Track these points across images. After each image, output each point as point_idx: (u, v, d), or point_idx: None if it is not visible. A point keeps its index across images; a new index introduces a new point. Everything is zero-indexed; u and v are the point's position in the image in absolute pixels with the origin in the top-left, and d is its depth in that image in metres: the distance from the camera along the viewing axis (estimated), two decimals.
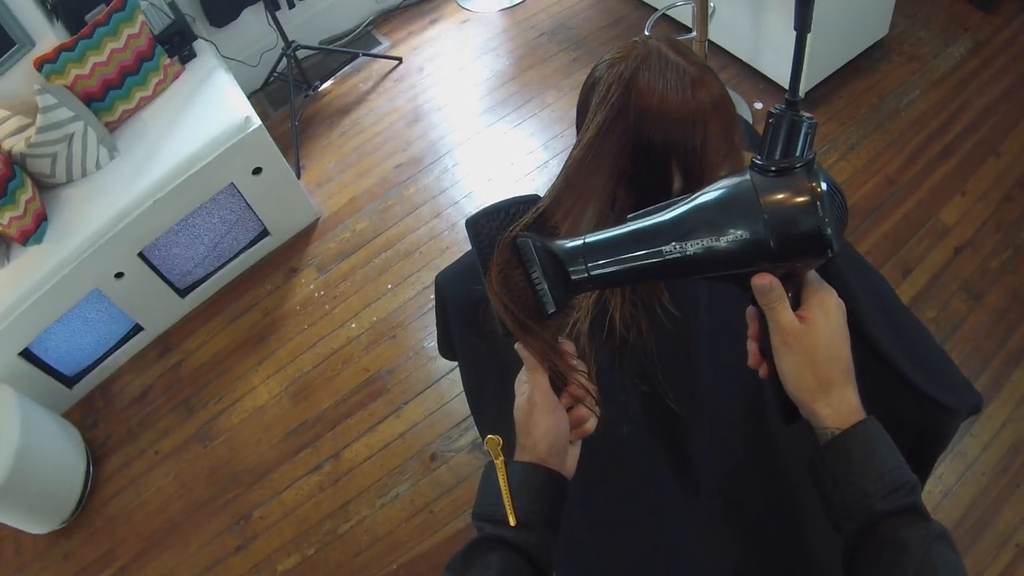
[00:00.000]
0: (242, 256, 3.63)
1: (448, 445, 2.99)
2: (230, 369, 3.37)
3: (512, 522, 0.96)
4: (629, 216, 0.98)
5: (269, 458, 3.10)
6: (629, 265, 0.95)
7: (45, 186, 3.34)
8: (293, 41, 4.08)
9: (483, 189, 3.74)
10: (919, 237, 3.13)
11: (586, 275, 0.96)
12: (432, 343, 3.24)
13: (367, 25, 4.70)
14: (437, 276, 1.60)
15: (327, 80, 4.34)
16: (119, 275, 3.28)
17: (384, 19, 4.79)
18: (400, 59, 4.39)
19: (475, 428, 2.95)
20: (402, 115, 4.11)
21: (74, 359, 3.40)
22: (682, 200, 0.94)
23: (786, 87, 3.48)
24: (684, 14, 3.65)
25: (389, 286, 3.44)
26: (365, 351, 3.28)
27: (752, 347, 0.99)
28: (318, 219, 3.76)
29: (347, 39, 4.67)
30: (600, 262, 0.95)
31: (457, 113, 4.08)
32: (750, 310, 0.98)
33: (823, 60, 3.51)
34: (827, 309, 0.92)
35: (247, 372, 3.34)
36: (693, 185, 1.18)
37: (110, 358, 3.48)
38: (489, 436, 1.04)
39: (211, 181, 3.33)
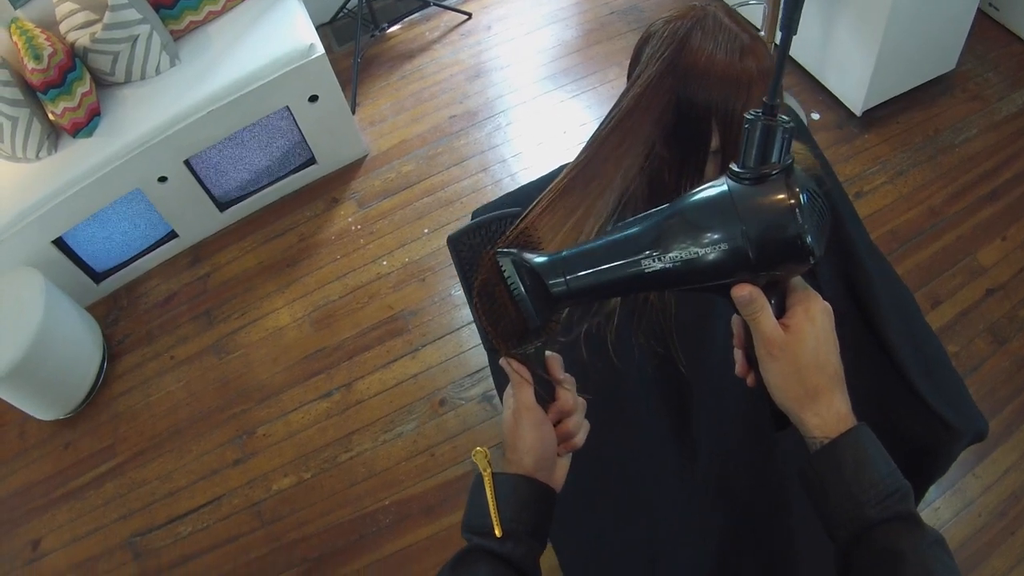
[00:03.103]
0: (286, 180, 3.51)
1: (459, 393, 2.86)
2: (257, 287, 3.25)
3: (498, 533, 0.93)
4: (608, 228, 0.95)
5: (281, 379, 2.98)
6: (609, 278, 0.87)
7: (103, 83, 3.24)
8: None
9: (533, 152, 3.59)
10: (953, 272, 3.01)
11: (565, 288, 0.88)
12: (460, 292, 3.12)
13: None
14: (448, 237, 1.53)
15: (395, 24, 4.19)
16: (163, 179, 3.17)
17: None
18: (470, 14, 4.24)
19: (488, 380, 2.85)
20: (463, 69, 3.97)
21: (105, 255, 3.31)
22: (660, 210, 0.87)
23: (848, 104, 3.40)
24: (755, 13, 3.48)
25: (425, 231, 3.31)
26: (392, 289, 3.15)
27: (739, 356, 0.95)
28: (366, 156, 3.63)
29: None
30: (579, 274, 0.88)
31: (518, 75, 3.93)
32: (735, 319, 0.92)
33: (887, 82, 3.35)
34: (812, 316, 0.86)
35: (273, 293, 3.22)
36: (730, 147, 1.18)
37: (141, 260, 3.37)
38: (477, 448, 0.99)
39: (267, 101, 3.21)
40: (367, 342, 3.03)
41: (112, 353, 3.17)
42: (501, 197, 1.71)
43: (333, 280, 3.22)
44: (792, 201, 0.79)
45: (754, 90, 1.17)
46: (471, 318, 2.97)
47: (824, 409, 0.85)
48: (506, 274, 0.92)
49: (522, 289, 0.91)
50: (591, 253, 0.88)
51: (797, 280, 0.89)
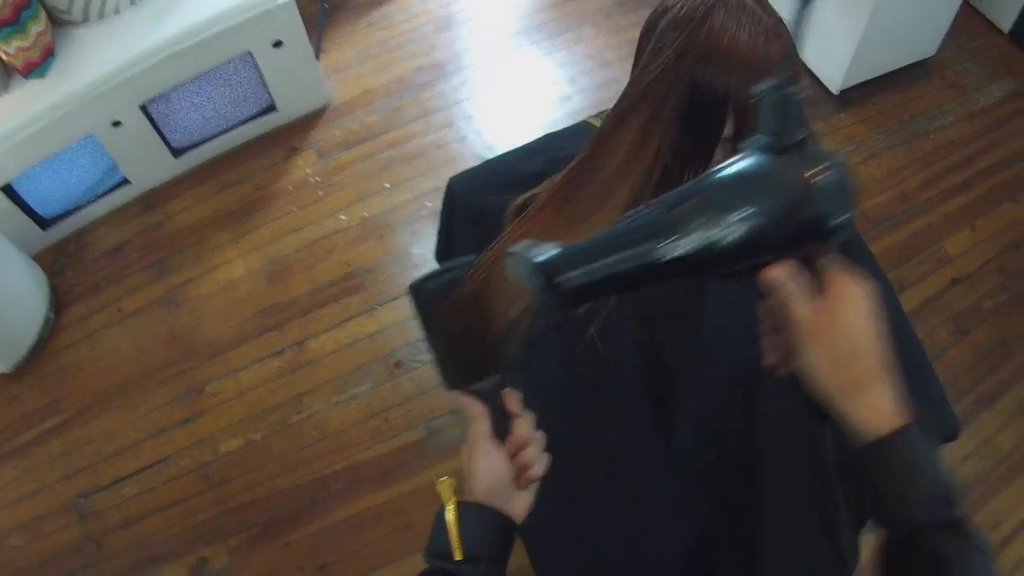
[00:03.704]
0: (245, 127, 3.36)
1: (416, 355, 2.78)
2: (210, 237, 3.13)
3: (458, 556, 0.94)
4: (617, 219, 0.86)
5: (232, 334, 2.88)
6: (620, 269, 0.79)
7: (59, 22, 3.06)
8: None
9: (500, 109, 3.49)
10: (921, 259, 2.99)
11: (574, 284, 0.79)
12: (419, 250, 3.03)
13: None
14: (451, 179, 1.53)
15: None
16: (117, 124, 3.02)
17: None
18: None
19: None
20: (433, 19, 3.82)
21: (53, 201, 3.16)
22: (674, 194, 0.80)
23: (826, 82, 3.32)
24: None
25: (387, 185, 3.19)
26: (351, 245, 3.04)
27: (767, 344, 0.90)
28: (328, 104, 3.47)
29: None
30: (588, 268, 0.79)
31: (489, 28, 3.80)
32: (765, 306, 0.86)
33: (867, 63, 3.29)
34: (851, 297, 0.80)
35: (227, 243, 3.10)
36: (744, 135, 1.05)
37: (91, 207, 3.22)
38: (442, 479, 1.00)
39: (230, 45, 3.06)
40: (322, 298, 2.93)
41: (59, 304, 3.03)
42: (480, 166, 1.59)
43: (289, 233, 3.10)
44: (818, 173, 0.75)
45: (774, 75, 1.05)
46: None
47: (868, 403, 0.80)
48: (512, 274, 0.86)
49: (533, 290, 0.83)
50: (599, 245, 0.81)
51: (834, 259, 0.82)
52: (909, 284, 2.95)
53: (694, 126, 1.12)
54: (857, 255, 1.45)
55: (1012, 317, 2.90)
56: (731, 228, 0.75)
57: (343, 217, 3.11)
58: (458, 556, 0.94)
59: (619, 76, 3.56)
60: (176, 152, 3.27)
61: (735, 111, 1.11)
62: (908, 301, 2.88)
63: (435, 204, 3.05)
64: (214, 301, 2.95)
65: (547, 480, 1.33)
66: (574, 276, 0.79)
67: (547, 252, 0.81)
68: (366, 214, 3.12)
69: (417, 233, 3.07)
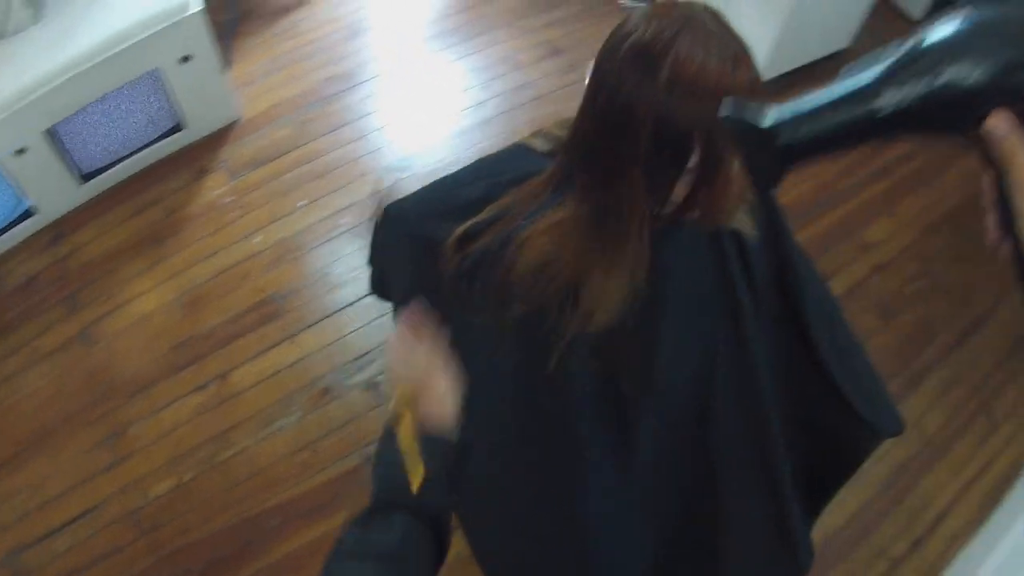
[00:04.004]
0: (153, 148, 3.27)
1: (342, 380, 2.77)
2: (122, 268, 3.05)
3: (421, 475, 0.93)
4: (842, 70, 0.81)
5: (151, 371, 2.83)
6: (842, 126, 0.77)
7: None
8: None
9: (412, 119, 3.46)
10: (842, 248, 3.07)
11: (796, 143, 0.79)
12: (338, 270, 3.00)
13: None
14: (387, 207, 1.49)
15: None
16: (20, 151, 2.91)
17: None
18: None
19: (370, 368, 2.74)
20: (342, 26, 3.75)
21: None
22: (892, 46, 0.75)
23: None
24: None
25: (300, 203, 3.15)
26: (266, 269, 3.00)
27: (989, 220, 0.78)
28: (237, 120, 3.40)
29: None
30: (808, 128, 0.79)
31: (400, 34, 3.76)
32: (985, 179, 0.78)
33: (784, 56, 3.35)
34: None
35: (139, 274, 3.03)
36: (709, 166, 1.10)
37: None
38: (398, 391, 1.02)
39: (137, 63, 2.96)
40: (241, 328, 2.89)
41: None
42: (417, 193, 1.53)
43: (203, 259, 3.04)
44: None
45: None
46: (350, 299, 2.87)
47: None
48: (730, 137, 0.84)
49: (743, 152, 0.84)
50: (820, 106, 0.79)
51: None
52: (833, 273, 3.01)
53: (655, 157, 1.09)
54: (805, 263, 1.50)
55: (932, 301, 2.99)
56: (963, 73, 0.71)
57: (257, 240, 3.06)
58: (421, 474, 0.94)
59: (534, 79, 3.54)
60: (84, 178, 3.17)
61: (701, 142, 1.08)
62: (833, 289, 2.91)
63: (351, 220, 3.04)
64: (130, 336, 2.89)
65: (501, 506, 1.38)
66: (799, 135, 0.79)
67: (770, 114, 0.81)
68: (281, 235, 3.08)
69: (334, 252, 3.04)
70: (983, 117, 0.71)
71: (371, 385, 2.75)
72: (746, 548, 1.48)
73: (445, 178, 1.50)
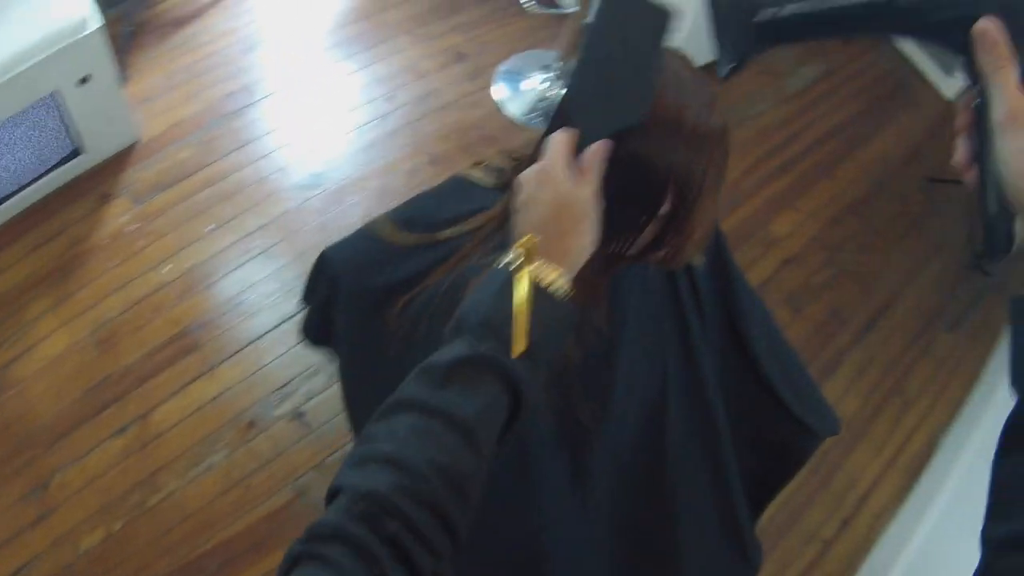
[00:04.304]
0: (50, 176, 3.11)
1: (267, 412, 2.75)
2: (28, 306, 2.93)
3: (523, 347, 0.81)
4: None
5: (70, 415, 2.75)
6: (826, 6, 0.77)
7: None
8: None
9: (319, 132, 3.40)
10: (751, 244, 3.14)
11: (772, 15, 0.79)
12: (252, 296, 2.95)
13: None
14: (326, 251, 1.45)
15: None
16: None
17: None
18: None
19: (293, 397, 2.73)
20: (240, 38, 3.63)
21: None
22: None
23: None
24: None
25: (208, 228, 3.08)
26: (178, 299, 2.94)
27: (961, 145, 0.80)
28: (137, 141, 3.27)
29: None
30: (791, 5, 0.79)
31: (300, 44, 3.66)
32: (963, 100, 0.78)
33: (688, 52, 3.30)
34: None
35: (46, 312, 2.92)
36: (677, 218, 1.09)
37: None
38: (527, 237, 0.87)
39: (33, 87, 2.78)
40: (157, 364, 2.83)
41: None
42: (358, 235, 1.48)
43: (112, 292, 2.96)
44: None
45: (716, 151, 1.07)
46: (267, 327, 2.84)
47: None
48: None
49: (715, 24, 0.84)
50: None
51: None
52: (743, 269, 3.03)
53: (626, 203, 1.07)
54: (739, 274, 1.61)
55: (840, 289, 3.12)
56: None
57: (167, 269, 2.99)
58: (523, 346, 0.81)
59: (438, 87, 3.51)
60: None
61: (676, 187, 1.07)
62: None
63: (262, 243, 3.00)
64: (42, 380, 2.80)
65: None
66: (783, 12, 0.79)
67: None
68: (191, 263, 3.01)
69: (247, 278, 2.99)
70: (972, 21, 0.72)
71: (296, 415, 2.75)
72: (701, 555, 1.52)
73: (382, 219, 1.46)
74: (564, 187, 0.91)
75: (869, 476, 2.93)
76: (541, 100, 3.55)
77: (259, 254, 3.03)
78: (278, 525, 2.58)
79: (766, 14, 0.78)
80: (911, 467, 2.99)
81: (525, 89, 3.60)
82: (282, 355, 2.84)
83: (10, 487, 2.64)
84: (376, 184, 3.26)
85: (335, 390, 2.80)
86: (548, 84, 3.55)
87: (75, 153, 3.13)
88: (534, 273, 0.84)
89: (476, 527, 1.44)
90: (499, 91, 3.61)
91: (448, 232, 1.33)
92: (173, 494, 2.62)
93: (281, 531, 2.57)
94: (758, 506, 1.72)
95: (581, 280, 0.97)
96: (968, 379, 3.27)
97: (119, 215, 3.11)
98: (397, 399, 0.82)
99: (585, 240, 0.92)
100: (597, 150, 0.96)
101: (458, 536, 0.80)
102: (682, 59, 1.11)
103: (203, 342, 2.86)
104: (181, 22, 3.64)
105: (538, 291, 0.83)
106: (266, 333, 2.88)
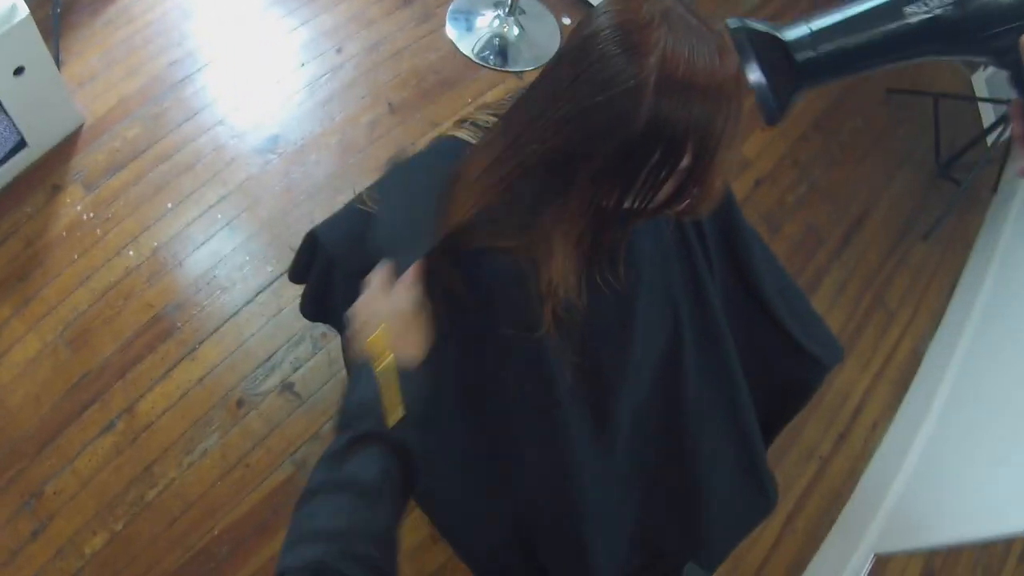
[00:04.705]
0: None
1: (254, 388, 2.66)
2: None
3: (399, 415, 0.97)
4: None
5: (52, 420, 2.64)
6: (864, 38, 0.74)
7: None
8: None
9: (271, 92, 3.24)
10: None
11: (813, 55, 0.75)
12: (224, 271, 2.83)
13: None
14: (318, 230, 1.46)
15: None
16: None
17: None
18: None
19: (280, 368, 2.63)
20: (176, 4, 3.42)
21: None
22: None
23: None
24: None
25: (169, 205, 2.93)
26: (148, 283, 2.81)
27: (1020, 149, 0.80)
28: (82, 125, 3.10)
29: None
30: (829, 40, 0.75)
31: (241, 5, 3.47)
32: (1015, 102, 0.77)
33: None
34: None
35: (11, 318, 2.78)
36: (698, 172, 1.05)
37: None
38: (379, 330, 1.06)
39: None
40: (136, 353, 2.71)
41: None
42: (346, 210, 1.48)
43: (77, 287, 2.82)
44: None
45: (734, 99, 1.01)
46: (242, 301, 2.73)
47: None
48: (742, 52, 0.82)
49: (760, 69, 0.81)
50: (840, 16, 0.75)
51: None
52: None
53: (643, 162, 1.03)
54: (741, 217, 1.59)
55: (815, 206, 3.05)
56: None
57: (131, 253, 2.85)
58: (399, 414, 0.97)
59: (387, 34, 3.37)
60: None
61: (695, 145, 1.01)
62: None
63: (227, 213, 2.87)
64: (19, 388, 2.68)
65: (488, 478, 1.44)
66: (821, 51, 0.74)
67: (786, 27, 0.76)
68: (155, 243, 2.87)
69: (216, 252, 2.86)
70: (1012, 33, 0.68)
71: (285, 387, 2.65)
72: (722, 492, 1.55)
73: (372, 191, 1.42)
74: (388, 303, 1.12)
75: (859, 390, 2.90)
76: (495, 37, 3.40)
77: (224, 226, 2.89)
78: (282, 501, 2.50)
79: (805, 54, 0.74)
80: (900, 378, 2.97)
81: (479, 27, 3.44)
82: (263, 327, 2.73)
83: (3, 502, 2.53)
84: (336, 140, 3.11)
85: (322, 357, 2.70)
86: (499, 21, 3.40)
87: (19, 147, 2.95)
88: (389, 361, 1.02)
89: (514, 487, 1.46)
90: (452, 31, 3.45)
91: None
92: (171, 485, 2.53)
93: (285, 507, 2.49)
94: (768, 441, 1.74)
95: (595, 244, 1.16)
96: (946, 287, 3.27)
97: (73, 204, 2.95)
98: (308, 488, 0.98)
99: (419, 335, 1.11)
100: (410, 272, 1.15)
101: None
102: (686, 5, 1.03)
103: (180, 324, 2.74)
104: None
105: (398, 372, 1.01)
106: (243, 307, 2.76)
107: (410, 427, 0.99)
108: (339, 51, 3.33)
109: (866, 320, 3.00)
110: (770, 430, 1.74)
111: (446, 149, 1.36)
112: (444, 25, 3.48)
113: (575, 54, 1.02)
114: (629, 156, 1.02)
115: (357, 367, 1.07)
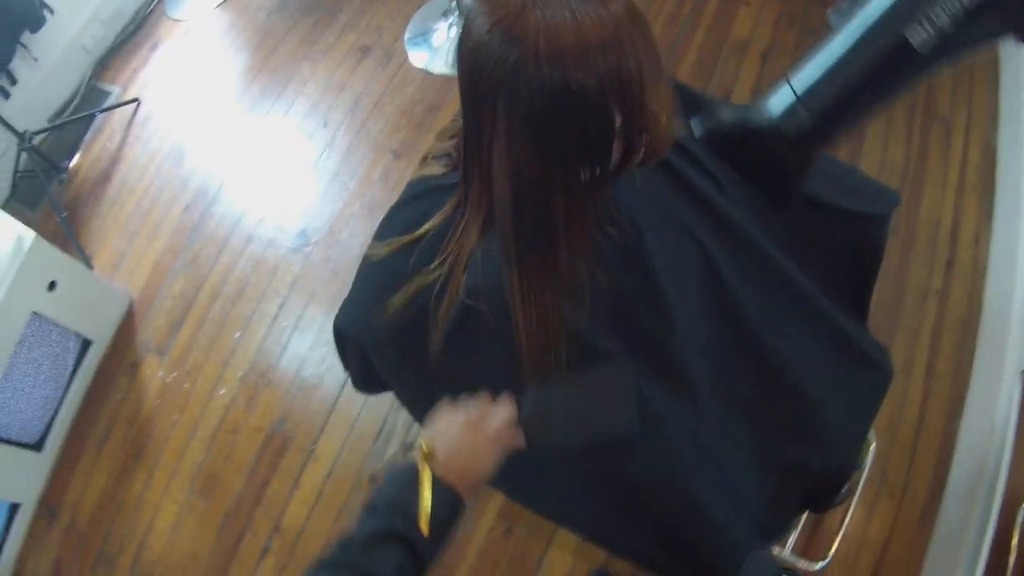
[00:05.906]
0: (76, 379, 3.06)
1: (379, 460, 2.66)
2: (125, 498, 2.88)
3: (425, 531, 0.98)
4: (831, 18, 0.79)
5: (214, 568, 2.68)
6: (860, 75, 0.73)
7: None
8: (25, 131, 3.45)
9: (286, 191, 3.31)
10: (724, 59, 3.06)
11: (807, 116, 0.75)
12: (311, 371, 2.86)
13: (89, 80, 3.98)
14: (335, 322, 1.48)
15: (74, 155, 3.70)
16: None
17: (103, 67, 4.05)
18: (137, 100, 3.79)
19: (395, 434, 2.64)
20: (166, 156, 3.57)
21: None
22: None
23: None
24: None
25: (237, 335, 2.99)
26: (248, 410, 2.86)
27: None
28: (131, 302, 3.21)
29: (75, 103, 3.93)
30: (824, 95, 0.74)
31: (221, 126, 3.59)
32: None
33: None
34: None
35: (143, 492, 2.87)
36: (634, 122, 0.98)
37: (3, 552, 2.92)
38: (423, 442, 1.07)
39: (11, 321, 2.73)
40: (263, 476, 2.75)
41: None
42: (352, 291, 1.47)
43: (188, 442, 2.88)
44: None
45: (636, 39, 0.93)
46: (336, 389, 2.75)
47: None
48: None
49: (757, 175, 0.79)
50: (831, 65, 0.74)
51: None
52: (731, 84, 2.93)
53: (583, 138, 0.99)
54: None
55: None
56: None
57: (222, 392, 2.91)
58: (426, 530, 0.98)
59: (361, 89, 3.45)
60: (35, 447, 2.97)
61: (615, 100, 0.95)
62: (740, 99, 2.89)
63: (291, 319, 2.89)
64: (174, 551, 2.74)
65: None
66: (808, 107, 0.74)
67: (775, 99, 0.77)
68: (239, 373, 2.93)
69: (296, 356, 2.90)
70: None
71: (405, 448, 2.64)
72: (828, 385, 1.45)
73: (366, 257, 1.42)
74: (479, 443, 1.10)
75: (948, 211, 2.70)
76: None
77: (293, 330, 2.94)
78: (487, 558, 2.45)
79: (800, 125, 0.75)
80: (981, 182, 2.74)
81: (439, 42, 3.46)
82: (364, 404, 2.74)
83: None
84: (359, 206, 3.15)
85: None
86: (455, 27, 3.41)
87: (85, 348, 3.07)
88: (431, 473, 1.03)
89: (621, 485, 1.38)
90: (417, 58, 3.47)
91: (426, 226, 1.27)
92: None
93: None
94: (862, 309, 1.64)
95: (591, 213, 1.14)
96: (990, 71, 3.01)
97: (154, 374, 3.04)
98: (331, 560, 0.99)
99: (476, 479, 1.09)
100: (503, 420, 1.12)
101: None
102: None
103: (291, 434, 2.76)
104: (106, 176, 3.59)
105: (435, 484, 1.01)
106: (340, 395, 2.78)
107: (436, 536, 1.01)
108: (326, 125, 3.38)
109: (925, 139, 2.80)
110: (861, 301, 1.64)
111: (420, 192, 1.35)
112: (406, 57, 3.51)
113: (470, 64, 0.99)
114: (564, 139, 0.98)
115: (412, 461, 1.08)
